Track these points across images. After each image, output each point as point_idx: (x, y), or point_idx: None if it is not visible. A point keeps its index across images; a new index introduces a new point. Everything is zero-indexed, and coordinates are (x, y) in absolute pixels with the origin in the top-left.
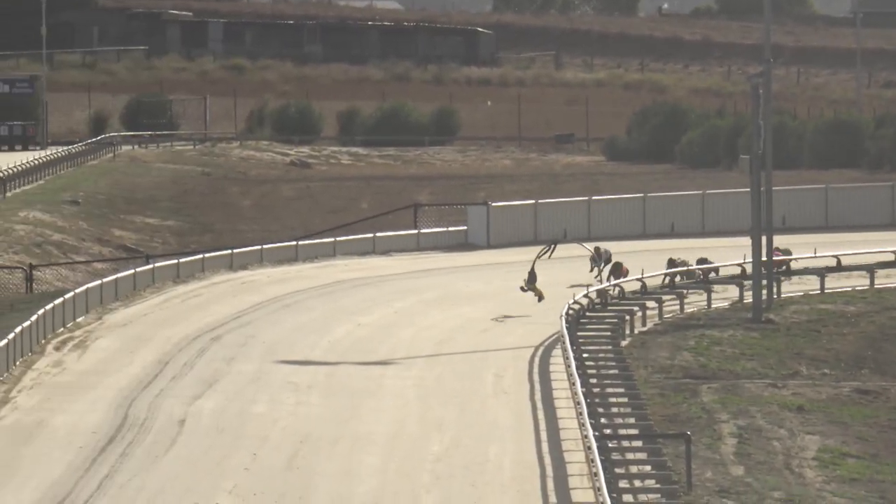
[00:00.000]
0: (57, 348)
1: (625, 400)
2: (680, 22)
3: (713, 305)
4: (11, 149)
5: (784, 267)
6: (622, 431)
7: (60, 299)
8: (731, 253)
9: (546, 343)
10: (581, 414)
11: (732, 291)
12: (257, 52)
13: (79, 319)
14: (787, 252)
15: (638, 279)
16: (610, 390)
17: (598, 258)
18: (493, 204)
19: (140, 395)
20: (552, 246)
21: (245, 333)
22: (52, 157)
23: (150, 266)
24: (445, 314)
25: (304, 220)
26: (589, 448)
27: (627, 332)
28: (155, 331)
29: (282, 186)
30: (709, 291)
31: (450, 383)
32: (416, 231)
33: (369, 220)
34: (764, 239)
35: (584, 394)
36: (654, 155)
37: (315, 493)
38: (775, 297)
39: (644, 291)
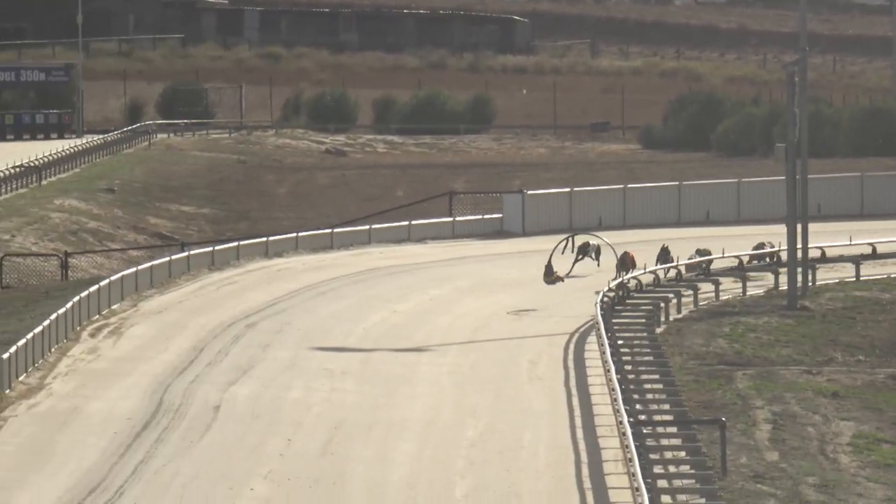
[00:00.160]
0: (92, 335)
1: (660, 386)
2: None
3: (748, 292)
4: (47, 137)
5: (775, 258)
6: (657, 417)
7: (96, 286)
8: (766, 240)
9: (581, 330)
10: (616, 400)
11: (768, 279)
12: (293, 40)
13: (114, 306)
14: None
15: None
16: (645, 377)
17: (585, 251)
18: (529, 192)
19: (175, 382)
20: (569, 239)
21: (280, 320)
22: (87, 145)
23: (186, 253)
24: (481, 301)
25: (339, 207)
26: (623, 434)
27: (663, 319)
28: (190, 318)
29: (317, 174)
30: (744, 279)
31: (485, 370)
32: (451, 219)
33: (405, 207)
34: (800, 227)
35: (618, 380)
36: (690, 143)
37: (349, 479)
38: (810, 284)
39: (679, 279)
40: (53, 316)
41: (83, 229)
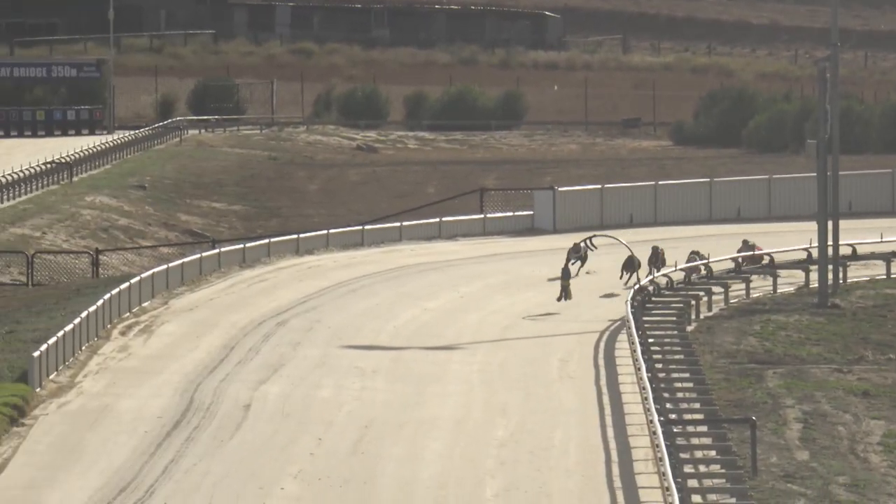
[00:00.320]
0: (123, 333)
1: (690, 385)
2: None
3: (779, 290)
4: (78, 133)
5: (764, 261)
6: (687, 416)
7: (126, 284)
8: (796, 237)
9: (612, 328)
10: (646, 399)
11: (799, 276)
12: (325, 36)
13: (145, 304)
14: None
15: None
16: (675, 375)
17: (576, 253)
18: (560, 188)
19: (205, 380)
20: (587, 241)
21: (311, 318)
22: (118, 141)
23: (217, 251)
24: (511, 299)
25: (370, 204)
26: (654, 433)
27: (693, 316)
28: (221, 315)
29: (348, 171)
30: (774, 276)
31: (515, 368)
32: (482, 216)
33: (435, 204)
34: (830, 224)
35: (649, 378)
36: (721, 139)
37: (380, 478)
38: (841, 281)
39: (710, 277)
40: (84, 314)
41: (114, 226)
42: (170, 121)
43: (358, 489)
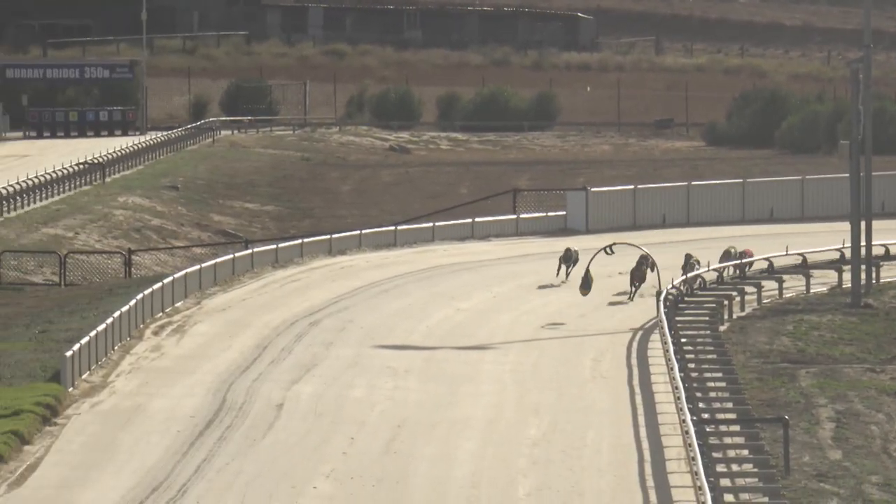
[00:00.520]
0: (155, 333)
1: (723, 384)
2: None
3: (812, 290)
4: (111, 134)
5: (749, 268)
6: (720, 416)
7: (159, 284)
8: (829, 238)
9: (645, 327)
10: (679, 398)
11: (831, 276)
12: (357, 37)
13: (177, 304)
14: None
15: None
16: (708, 375)
17: (567, 259)
18: (593, 189)
19: (238, 380)
20: (609, 248)
21: (343, 318)
22: (151, 142)
23: (249, 251)
24: (544, 299)
25: (403, 205)
26: (686, 432)
27: (726, 316)
28: (253, 315)
29: (381, 172)
30: (807, 276)
31: (548, 368)
32: (515, 216)
33: (468, 205)
34: (863, 224)
35: (682, 378)
36: (754, 140)
37: (412, 478)
38: (874, 281)
39: (742, 276)
40: (117, 314)
41: (147, 227)
42: (202, 122)
43: (390, 488)
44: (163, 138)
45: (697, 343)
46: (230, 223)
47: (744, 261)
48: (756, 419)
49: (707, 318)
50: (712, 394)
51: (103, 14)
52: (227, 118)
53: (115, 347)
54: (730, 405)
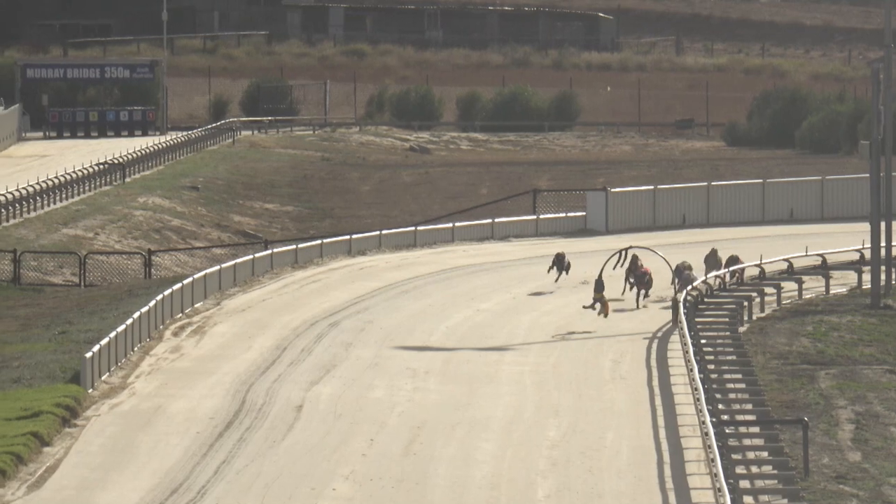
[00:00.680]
0: (175, 334)
1: (742, 386)
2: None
3: (832, 291)
4: (131, 134)
5: (737, 276)
6: (739, 417)
7: (179, 285)
8: (849, 238)
9: (664, 329)
10: (698, 399)
11: (851, 277)
12: (378, 37)
13: (197, 305)
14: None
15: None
16: (727, 376)
17: (560, 263)
18: (613, 189)
19: (258, 381)
20: (623, 253)
21: (363, 319)
22: (171, 142)
23: (269, 252)
24: (564, 300)
25: (422, 205)
26: (706, 434)
27: (746, 318)
28: (273, 316)
29: (401, 172)
30: (827, 277)
31: (567, 369)
32: (535, 216)
33: (488, 205)
34: (884, 225)
35: (701, 379)
36: (775, 140)
37: (432, 478)
38: (894, 283)
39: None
40: (136, 314)
41: (166, 227)
42: (223, 122)
43: (410, 490)
44: (183, 138)
45: (717, 344)
46: (250, 224)
47: (733, 268)
48: (775, 421)
49: (727, 320)
50: (732, 395)
51: (124, 14)
52: (248, 118)
53: (135, 348)
54: (749, 407)
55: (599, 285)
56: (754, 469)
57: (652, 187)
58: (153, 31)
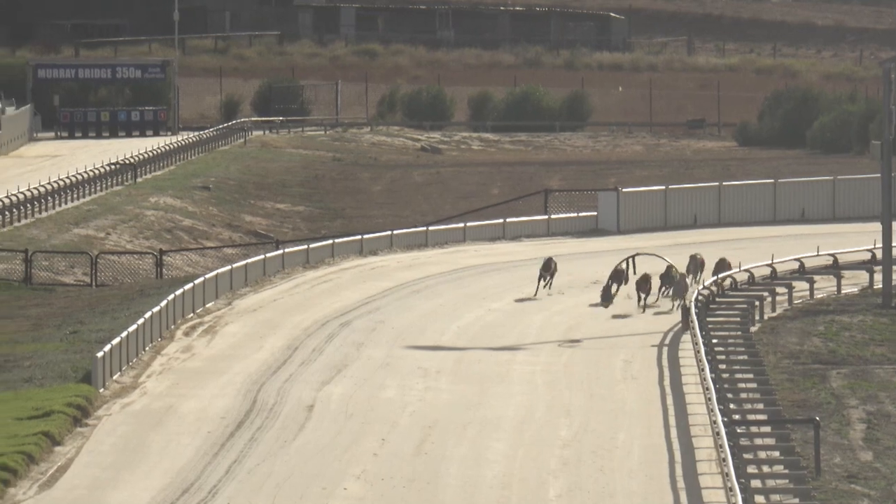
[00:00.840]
0: (186, 333)
1: (754, 385)
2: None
3: (843, 291)
4: (143, 134)
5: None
6: (751, 417)
7: (190, 285)
8: (861, 238)
9: (675, 328)
10: (710, 399)
11: (863, 277)
12: (389, 37)
13: (208, 305)
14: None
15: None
16: (739, 376)
17: (547, 270)
18: (624, 189)
19: (269, 381)
20: (631, 259)
21: (374, 319)
22: (183, 142)
23: (280, 251)
24: (575, 299)
25: (434, 205)
26: (717, 433)
27: (757, 317)
28: (284, 316)
29: (412, 172)
30: (838, 277)
31: (578, 369)
32: (546, 216)
33: (500, 205)
34: (894, 225)
35: (713, 379)
36: (786, 140)
37: (443, 478)
38: None
39: (774, 277)
40: (148, 314)
41: (178, 227)
42: (234, 122)
43: (421, 489)
44: (194, 138)
45: (728, 344)
46: (261, 224)
47: (723, 274)
48: (787, 420)
49: (738, 320)
50: (743, 395)
51: (135, 14)
52: (259, 118)
53: (146, 348)
54: (761, 406)
55: (607, 294)
56: (766, 469)
57: (663, 187)
58: (165, 31)
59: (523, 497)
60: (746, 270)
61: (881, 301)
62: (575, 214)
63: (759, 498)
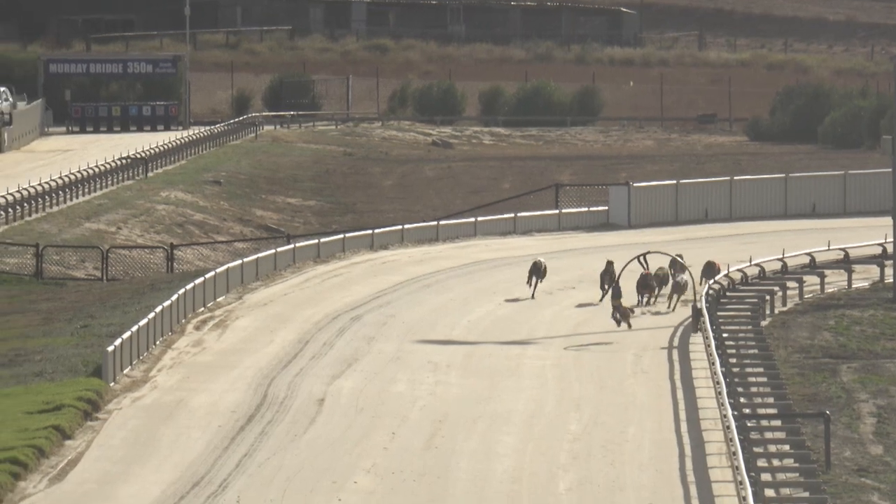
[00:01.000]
0: (197, 327)
1: (764, 379)
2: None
3: (854, 286)
4: (154, 129)
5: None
6: (761, 411)
7: (201, 279)
8: (871, 233)
9: (686, 323)
10: (720, 393)
11: (873, 271)
12: (400, 32)
13: (219, 299)
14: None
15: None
16: (749, 370)
17: (536, 271)
18: (635, 184)
19: (279, 375)
20: (641, 258)
21: (385, 313)
22: (194, 137)
23: (291, 246)
24: (586, 294)
25: (445, 200)
26: (728, 427)
27: (768, 311)
28: (295, 310)
29: (423, 166)
30: (849, 271)
31: (589, 363)
32: (557, 211)
33: (510, 200)
34: None
35: (723, 373)
36: (797, 135)
37: (453, 472)
38: None
39: (785, 271)
40: (158, 308)
41: (189, 221)
42: (245, 117)
43: (431, 483)
44: (205, 133)
45: (739, 338)
46: (272, 218)
47: (714, 280)
48: (797, 414)
49: (749, 314)
50: (753, 389)
51: (146, 9)
52: (270, 113)
53: (157, 342)
54: (771, 400)
55: (617, 292)
56: (776, 462)
57: (674, 182)
58: (176, 26)
59: (533, 491)
60: (757, 265)
61: (892, 295)
62: (586, 209)
63: (769, 491)
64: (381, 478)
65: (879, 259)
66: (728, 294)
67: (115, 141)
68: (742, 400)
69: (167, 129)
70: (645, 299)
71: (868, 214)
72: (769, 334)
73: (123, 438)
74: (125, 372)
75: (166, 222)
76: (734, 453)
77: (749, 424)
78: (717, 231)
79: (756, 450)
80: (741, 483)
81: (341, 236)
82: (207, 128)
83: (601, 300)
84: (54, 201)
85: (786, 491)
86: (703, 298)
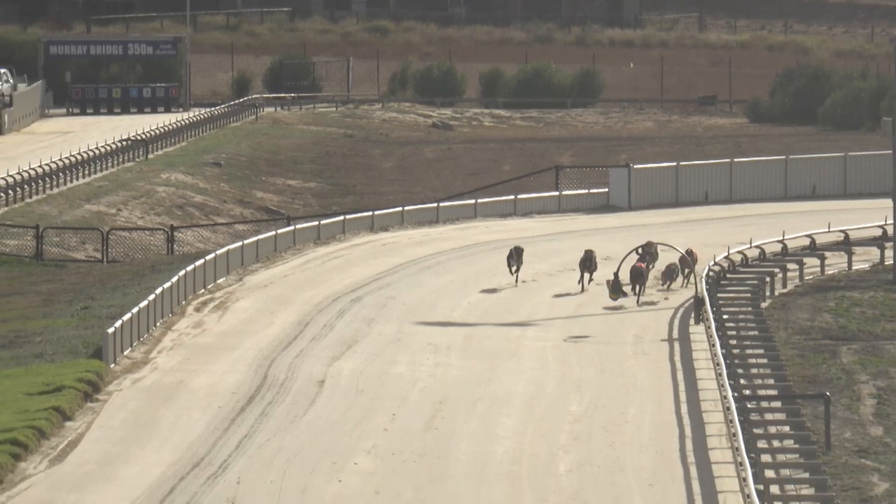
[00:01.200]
0: (197, 309)
1: (764, 361)
2: None
3: (854, 267)
4: (154, 110)
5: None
6: (761, 392)
7: (201, 261)
8: (872, 214)
9: (686, 304)
10: (720, 375)
11: (874, 253)
12: (401, 13)
13: (219, 280)
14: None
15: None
16: (749, 351)
17: (516, 256)
18: (635, 166)
19: (280, 356)
20: (641, 249)
21: (385, 295)
22: (194, 118)
23: (291, 228)
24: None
25: (445, 182)
26: (728, 409)
27: (768, 293)
28: (295, 292)
29: (423, 148)
30: (849, 253)
31: (589, 344)
32: (557, 193)
33: (511, 182)
34: None
35: (723, 355)
36: (797, 117)
37: (453, 453)
38: None
39: (785, 253)
40: (159, 290)
41: (189, 203)
42: (246, 98)
43: (431, 464)
44: (206, 115)
45: (739, 320)
46: (273, 200)
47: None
48: (797, 395)
49: (749, 295)
50: (754, 370)
51: None
52: (271, 95)
53: (157, 324)
54: (771, 381)
55: (617, 286)
56: (776, 443)
57: (675, 164)
58: (176, 7)
59: (533, 472)
60: (757, 247)
61: (892, 277)
62: (586, 191)
63: (770, 473)
64: (382, 459)
65: (880, 241)
66: (728, 276)
67: (116, 123)
68: (742, 381)
69: (167, 110)
70: (638, 289)
71: (868, 196)
72: (769, 316)
73: (123, 420)
74: (125, 353)
75: (166, 204)
76: (734, 434)
77: (749, 406)
78: (717, 213)
79: (756, 431)
80: (741, 464)
81: (341, 218)
82: (208, 110)
83: (581, 290)
84: (55, 183)
85: (786, 472)
86: (704, 284)
